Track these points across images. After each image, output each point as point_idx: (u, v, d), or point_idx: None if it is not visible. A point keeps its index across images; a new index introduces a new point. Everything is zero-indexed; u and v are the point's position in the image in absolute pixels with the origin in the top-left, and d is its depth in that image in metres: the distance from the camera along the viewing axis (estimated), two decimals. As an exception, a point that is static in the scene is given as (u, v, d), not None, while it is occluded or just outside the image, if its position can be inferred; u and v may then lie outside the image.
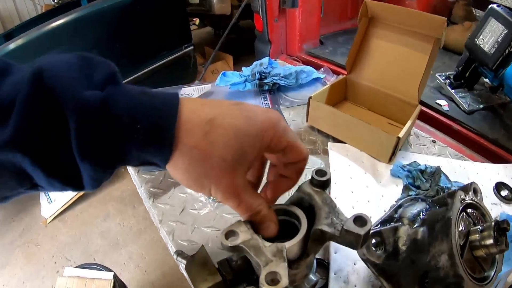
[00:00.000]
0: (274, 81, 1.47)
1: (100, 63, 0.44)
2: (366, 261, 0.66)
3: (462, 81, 1.68)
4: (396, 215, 0.73)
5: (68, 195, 2.91)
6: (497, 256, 0.68)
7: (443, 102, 1.59)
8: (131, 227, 2.76)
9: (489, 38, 1.40)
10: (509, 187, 1.08)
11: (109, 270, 1.88)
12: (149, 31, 3.03)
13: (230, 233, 0.55)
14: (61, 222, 2.88)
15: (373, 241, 0.68)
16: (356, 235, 0.51)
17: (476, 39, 1.46)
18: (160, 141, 0.41)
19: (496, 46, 1.37)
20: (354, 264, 0.78)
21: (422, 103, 1.52)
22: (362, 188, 1.02)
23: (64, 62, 0.41)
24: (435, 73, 1.75)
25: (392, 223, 0.72)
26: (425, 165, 1.06)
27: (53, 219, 2.88)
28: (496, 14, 1.41)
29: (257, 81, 1.46)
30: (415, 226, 0.69)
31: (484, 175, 1.13)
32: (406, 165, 1.09)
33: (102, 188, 3.10)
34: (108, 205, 3.01)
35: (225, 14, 3.82)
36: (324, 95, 1.31)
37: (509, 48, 1.34)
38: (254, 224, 0.54)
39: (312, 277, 0.66)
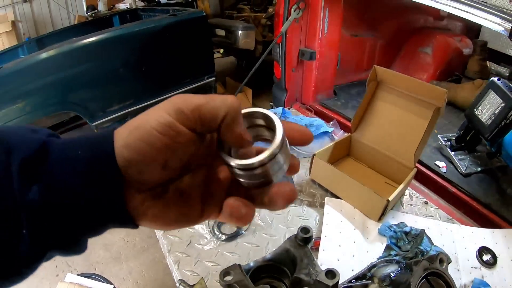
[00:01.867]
0: (285, 132, 1.56)
1: (41, 128, 0.40)
2: None
3: (463, 144, 1.75)
4: (369, 274, 0.83)
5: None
6: None
7: (441, 164, 1.66)
8: (134, 244, 2.80)
9: (487, 109, 1.48)
10: (492, 252, 1.14)
11: (110, 282, 1.95)
12: (175, 58, 3.14)
13: (226, 273, 0.70)
14: (64, 231, 2.92)
15: None
16: (326, 286, 0.64)
17: (475, 110, 1.54)
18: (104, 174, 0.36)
19: (493, 118, 1.45)
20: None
21: (421, 163, 1.61)
22: (349, 243, 1.11)
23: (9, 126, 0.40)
24: (438, 134, 1.83)
25: (364, 280, 0.81)
26: (411, 227, 1.14)
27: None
28: (496, 87, 1.49)
29: (269, 131, 1.55)
30: (384, 285, 0.78)
31: (469, 239, 1.19)
32: (394, 225, 1.17)
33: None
34: (114, 218, 3.05)
35: (249, 49, 3.93)
36: (328, 152, 1.42)
37: (505, 120, 1.41)
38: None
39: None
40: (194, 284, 0.86)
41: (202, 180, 0.44)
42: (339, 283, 0.76)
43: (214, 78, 3.46)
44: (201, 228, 1.16)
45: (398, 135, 1.39)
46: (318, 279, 0.66)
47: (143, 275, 2.58)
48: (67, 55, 2.52)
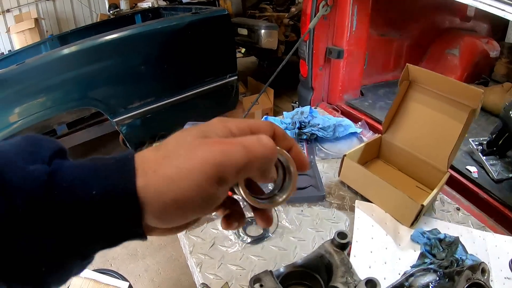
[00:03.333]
0: (313, 131, 1.54)
1: (45, 140, 0.39)
2: None
3: (494, 148, 1.70)
4: (406, 283, 0.79)
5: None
6: None
7: (473, 169, 1.62)
8: (152, 241, 2.81)
9: None
10: None
11: (125, 279, 1.94)
12: (197, 56, 3.15)
13: (257, 280, 0.65)
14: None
15: None
16: None
17: (511, 112, 1.49)
18: (120, 205, 0.35)
19: None
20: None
21: (452, 167, 1.56)
22: (381, 249, 1.07)
23: (8, 143, 0.37)
24: (469, 137, 1.78)
25: None
26: (445, 234, 1.10)
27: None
28: (534, 90, 1.44)
29: (297, 130, 1.54)
30: None
31: (502, 248, 1.14)
32: (427, 231, 1.12)
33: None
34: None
35: (272, 49, 3.91)
36: (358, 153, 1.37)
37: (542, 123, 1.37)
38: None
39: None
40: (217, 289, 0.82)
41: None
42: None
43: (236, 77, 3.45)
44: (225, 229, 1.12)
45: (431, 137, 1.33)
46: (357, 288, 0.61)
47: (159, 273, 2.59)
48: (88, 52, 2.54)
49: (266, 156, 0.39)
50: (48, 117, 2.56)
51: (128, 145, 3.09)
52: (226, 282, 0.82)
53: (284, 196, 0.44)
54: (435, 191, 1.17)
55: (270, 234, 1.11)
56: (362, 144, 1.39)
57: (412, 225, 1.15)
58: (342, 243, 0.70)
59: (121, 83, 2.78)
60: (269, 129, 0.43)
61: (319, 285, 0.73)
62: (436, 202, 1.31)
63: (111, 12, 5.31)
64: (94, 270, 1.94)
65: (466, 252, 1.06)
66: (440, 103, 1.31)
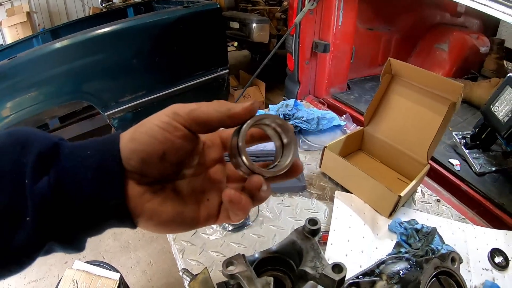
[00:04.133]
0: (297, 124, 1.56)
1: (33, 138, 0.41)
2: None
3: (478, 142, 1.72)
4: (377, 270, 0.80)
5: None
6: None
7: (455, 162, 1.64)
8: (143, 234, 2.83)
9: (504, 106, 1.45)
10: (505, 254, 1.11)
11: (117, 271, 1.96)
12: (188, 50, 3.15)
13: (229, 263, 0.68)
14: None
15: None
16: (332, 280, 0.62)
17: (491, 106, 1.50)
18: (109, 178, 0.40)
19: (510, 115, 1.42)
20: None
21: (434, 160, 1.58)
22: (358, 238, 1.09)
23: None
24: (453, 131, 1.80)
25: (372, 276, 0.79)
26: (422, 224, 1.11)
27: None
28: (514, 83, 1.45)
29: (281, 122, 1.54)
30: (392, 282, 0.76)
31: (482, 239, 1.16)
32: (405, 222, 1.13)
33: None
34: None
35: (263, 43, 3.91)
36: (339, 145, 1.39)
37: (523, 118, 1.38)
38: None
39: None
40: (197, 274, 0.84)
41: (198, 184, 0.48)
42: (346, 278, 0.74)
43: (227, 70, 3.45)
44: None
45: (412, 129, 1.35)
46: (324, 273, 0.63)
47: (150, 265, 2.60)
48: (80, 45, 2.54)
49: (219, 108, 0.44)
50: (40, 111, 2.55)
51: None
52: (206, 267, 0.84)
53: (288, 161, 0.45)
54: (413, 182, 1.18)
55: (250, 222, 1.13)
56: (343, 136, 1.40)
57: (390, 215, 1.17)
58: (312, 229, 0.72)
59: (113, 77, 2.77)
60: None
61: (292, 270, 0.75)
62: (417, 193, 1.33)
63: (103, 5, 5.30)
64: (86, 262, 1.95)
65: (443, 242, 1.07)
66: (421, 97, 1.34)
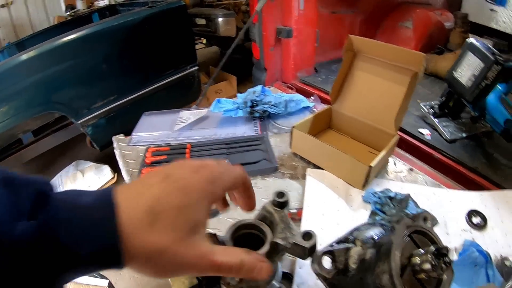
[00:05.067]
0: (265, 109, 1.56)
1: (23, 184, 0.40)
2: (318, 275, 0.73)
3: (446, 110, 1.74)
4: (351, 237, 0.81)
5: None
6: (443, 279, 0.71)
7: (425, 131, 1.65)
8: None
9: (466, 71, 1.47)
10: (482, 214, 1.12)
11: (105, 278, 1.95)
12: (156, 50, 3.15)
13: None
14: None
15: (326, 258, 0.75)
16: (303, 248, 0.63)
17: (454, 72, 1.53)
18: (108, 260, 0.39)
19: (473, 79, 1.44)
20: (317, 279, 0.86)
21: (404, 131, 1.60)
22: (333, 211, 1.09)
23: None
24: (421, 102, 1.82)
25: (346, 243, 0.79)
26: (396, 192, 1.12)
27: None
28: (473, 48, 1.47)
29: (249, 109, 1.55)
30: (366, 247, 0.76)
31: (457, 202, 1.17)
32: (378, 191, 1.14)
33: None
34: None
35: (231, 36, 3.91)
36: (307, 124, 1.40)
37: (485, 81, 1.40)
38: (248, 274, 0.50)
39: (276, 283, 0.76)
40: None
41: None
42: (321, 248, 0.74)
43: (197, 67, 3.45)
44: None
45: (377, 103, 1.37)
46: (294, 241, 0.64)
47: (138, 269, 2.58)
48: (47, 55, 2.50)
49: None
50: (12, 125, 2.51)
51: (95, 145, 3.06)
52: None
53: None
54: (383, 152, 1.19)
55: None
56: (311, 116, 1.41)
57: (363, 187, 1.18)
58: (280, 201, 0.72)
59: (83, 84, 2.74)
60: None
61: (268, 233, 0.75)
62: (389, 165, 1.34)
63: (68, 13, 5.25)
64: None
65: (417, 207, 1.08)
66: (384, 70, 1.35)
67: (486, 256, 0.95)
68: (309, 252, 0.64)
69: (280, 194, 0.74)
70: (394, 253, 0.68)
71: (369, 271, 0.72)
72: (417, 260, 0.68)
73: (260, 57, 1.99)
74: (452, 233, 1.06)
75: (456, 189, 1.26)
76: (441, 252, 0.66)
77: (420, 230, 0.76)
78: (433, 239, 0.76)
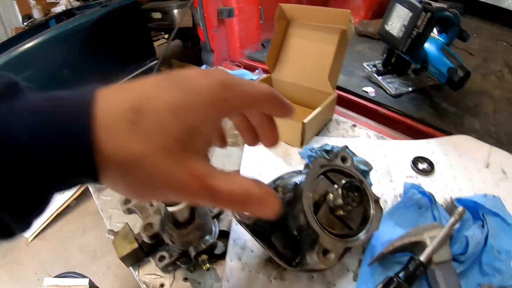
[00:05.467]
0: (207, 86, 1.57)
1: None
2: (240, 223, 0.76)
3: (390, 67, 1.77)
4: (274, 185, 0.83)
5: (47, 213, 3.01)
6: (371, 215, 0.74)
7: (370, 89, 1.68)
8: (107, 239, 2.79)
9: (396, 23, 1.49)
10: (428, 160, 1.16)
11: (84, 277, 1.98)
12: (114, 48, 3.15)
13: (126, 201, 0.73)
14: (41, 240, 2.97)
15: None
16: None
17: (386, 26, 1.54)
18: (79, 165, 0.31)
19: (404, 29, 1.46)
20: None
21: (348, 92, 1.63)
22: (270, 170, 1.13)
23: None
24: (364, 62, 1.85)
25: None
26: (332, 145, 1.15)
27: (34, 238, 2.97)
28: (400, -1, 1.50)
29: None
30: (287, 191, 0.79)
31: (402, 151, 1.21)
32: (316, 147, 1.17)
33: (79, 203, 3.24)
34: (86, 219, 3.12)
35: (189, 27, 3.89)
36: (246, 93, 1.41)
37: (416, 29, 1.43)
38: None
39: (208, 238, 0.79)
40: (119, 230, 0.88)
41: None
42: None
43: (156, 61, 3.46)
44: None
45: (313, 65, 1.40)
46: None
47: (121, 267, 2.58)
48: (6, 67, 2.48)
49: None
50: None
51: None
52: (126, 223, 0.88)
53: None
54: (318, 109, 1.22)
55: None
56: (249, 84, 1.43)
57: (302, 145, 1.21)
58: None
59: (45, 91, 2.73)
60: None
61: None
62: (331, 123, 1.38)
63: (25, 23, 5.18)
64: (55, 277, 1.97)
65: (354, 155, 1.10)
66: (316, 33, 1.39)
67: (429, 197, 0.99)
68: None
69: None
70: (305, 190, 0.70)
71: (290, 214, 0.75)
72: (330, 196, 0.70)
73: (205, 39, 2.00)
74: (396, 180, 1.10)
75: (401, 139, 1.30)
76: (353, 185, 0.68)
77: (337, 169, 0.77)
78: (351, 176, 0.77)
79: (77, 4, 5.30)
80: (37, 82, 2.63)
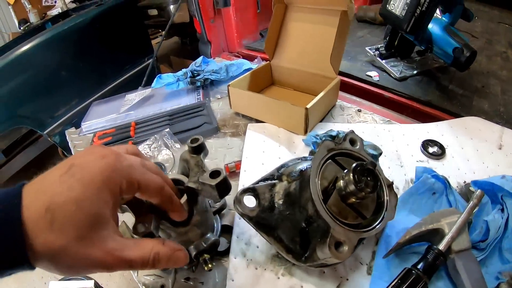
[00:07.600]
0: (206, 77, 1.54)
1: None
2: (242, 216, 0.70)
3: (393, 50, 1.72)
4: (277, 173, 0.78)
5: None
6: (386, 203, 0.69)
7: (373, 73, 1.63)
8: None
9: (398, 1, 1.43)
10: (439, 143, 1.11)
11: (90, 278, 1.94)
12: (110, 47, 3.11)
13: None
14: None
15: (248, 197, 0.72)
16: (210, 186, 0.59)
17: (387, 6, 1.49)
18: (15, 260, 0.38)
19: (406, 8, 1.40)
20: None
21: (352, 77, 1.58)
22: (274, 159, 1.07)
23: None
24: (366, 47, 1.80)
25: (272, 180, 0.76)
26: (338, 131, 1.09)
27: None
28: (401, -24, 1.44)
29: (189, 79, 1.52)
30: (292, 180, 0.73)
31: (411, 135, 1.16)
32: (321, 134, 1.10)
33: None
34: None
35: (185, 22, 3.85)
36: (245, 81, 1.37)
37: (419, 7, 1.37)
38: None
39: (210, 236, 0.73)
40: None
41: None
42: (243, 188, 0.72)
43: (154, 58, 3.40)
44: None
45: (313, 49, 1.35)
46: (200, 180, 0.61)
47: (126, 266, 2.58)
48: (3, 71, 2.45)
49: None
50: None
51: (66, 154, 3.02)
52: (123, 221, 0.83)
53: None
54: (321, 94, 1.17)
55: (168, 172, 1.11)
56: (248, 73, 1.39)
57: (306, 132, 1.15)
58: (194, 146, 0.70)
59: (43, 93, 2.68)
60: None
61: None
62: (335, 108, 1.33)
63: (22, 28, 5.15)
64: (60, 280, 1.94)
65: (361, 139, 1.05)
66: (315, 16, 1.34)
67: (443, 181, 0.92)
68: (220, 190, 0.60)
69: (194, 140, 0.71)
70: (312, 177, 0.65)
71: (297, 204, 0.69)
72: (340, 182, 0.64)
73: (202, 30, 1.96)
74: (407, 165, 1.04)
75: (409, 123, 1.24)
76: (366, 168, 0.62)
77: (346, 152, 0.72)
78: (361, 159, 0.72)
79: (73, 6, 5.27)
80: (36, 84, 2.62)
